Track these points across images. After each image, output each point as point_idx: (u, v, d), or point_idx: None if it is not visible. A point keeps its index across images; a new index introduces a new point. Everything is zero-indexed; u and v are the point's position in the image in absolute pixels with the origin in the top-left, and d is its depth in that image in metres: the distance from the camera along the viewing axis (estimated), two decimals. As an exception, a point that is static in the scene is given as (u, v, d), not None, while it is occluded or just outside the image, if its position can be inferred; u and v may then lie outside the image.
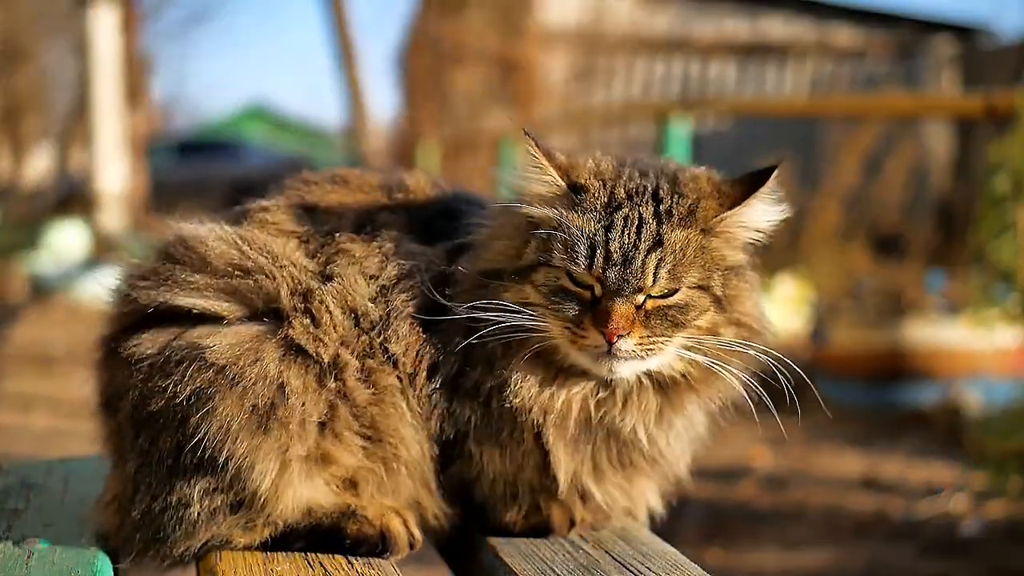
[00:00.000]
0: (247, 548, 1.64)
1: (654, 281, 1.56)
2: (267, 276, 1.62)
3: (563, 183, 1.62)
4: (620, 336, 1.55)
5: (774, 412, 1.65)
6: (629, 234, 1.57)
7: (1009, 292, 3.90)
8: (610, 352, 1.56)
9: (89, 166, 15.09)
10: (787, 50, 15.00)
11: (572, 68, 14.54)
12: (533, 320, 1.58)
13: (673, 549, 1.71)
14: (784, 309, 7.37)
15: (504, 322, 1.58)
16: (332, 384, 1.60)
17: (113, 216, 14.29)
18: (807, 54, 15.01)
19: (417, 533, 1.68)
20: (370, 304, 1.64)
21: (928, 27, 15.00)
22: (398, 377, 1.63)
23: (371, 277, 1.66)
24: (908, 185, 10.09)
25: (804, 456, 5.44)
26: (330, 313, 1.61)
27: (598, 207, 1.60)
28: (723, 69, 15.10)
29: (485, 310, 1.58)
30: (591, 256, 1.56)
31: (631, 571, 1.59)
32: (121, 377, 1.64)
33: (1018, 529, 4.25)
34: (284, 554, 1.63)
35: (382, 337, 1.63)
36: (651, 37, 14.95)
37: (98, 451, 1.77)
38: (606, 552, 1.67)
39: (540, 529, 1.72)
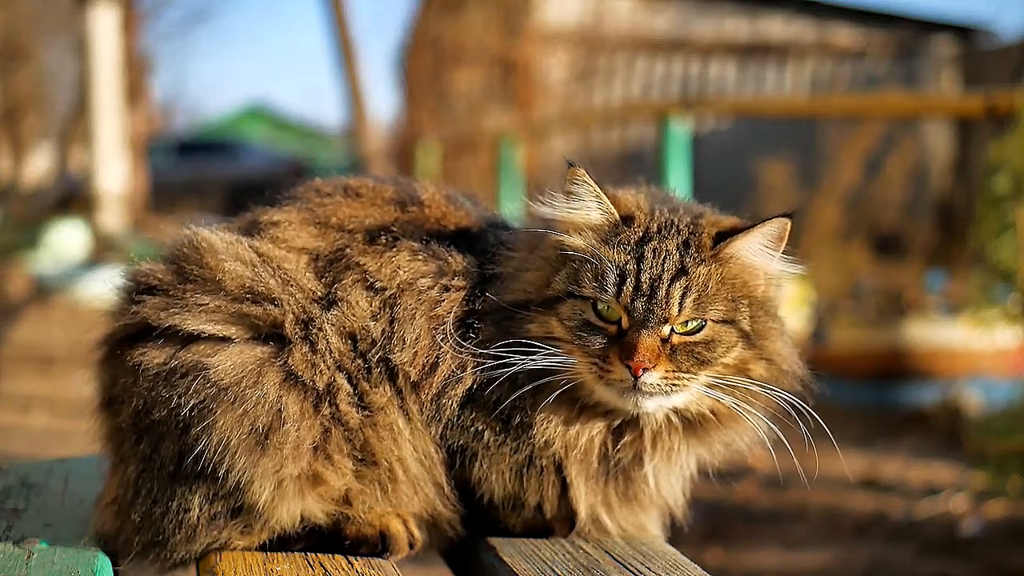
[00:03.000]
0: (246, 549, 1.65)
1: (679, 311, 1.57)
2: (275, 303, 1.61)
3: (615, 213, 1.63)
4: (645, 369, 1.55)
5: (790, 450, 1.66)
6: (656, 265, 1.58)
7: (1009, 292, 3.90)
8: (635, 386, 1.56)
9: (89, 166, 15.08)
10: (787, 50, 15.00)
11: (572, 68, 14.54)
12: (560, 360, 1.58)
13: (673, 549, 1.71)
14: (784, 309, 7.36)
15: (532, 365, 1.58)
16: (326, 410, 1.60)
17: (113, 216, 14.29)
18: (807, 54, 15.02)
19: (417, 533, 1.68)
20: (371, 323, 1.62)
21: (928, 27, 15.01)
22: (397, 390, 1.62)
23: (377, 290, 1.64)
24: (908, 185, 10.09)
25: (804, 456, 5.43)
26: (328, 340, 1.60)
27: (632, 240, 1.61)
28: (723, 69, 15.11)
29: (513, 349, 1.58)
30: (620, 285, 1.57)
31: (631, 571, 1.59)
32: (124, 381, 1.63)
33: (1018, 529, 4.25)
34: (284, 554, 1.64)
35: (383, 352, 1.62)
36: (651, 37, 14.95)
37: (98, 451, 1.77)
38: (606, 552, 1.67)
39: (541, 530, 1.72)
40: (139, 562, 1.67)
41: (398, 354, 1.61)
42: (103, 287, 1.75)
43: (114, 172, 14.69)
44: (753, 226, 1.64)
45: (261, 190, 1.87)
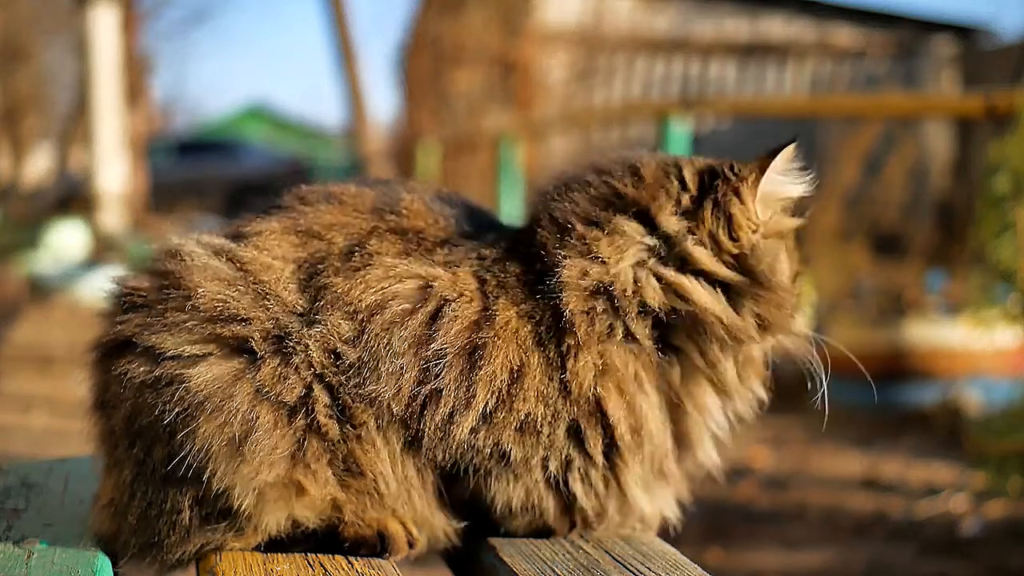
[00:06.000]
0: (243, 550, 1.65)
1: None
2: (245, 322, 1.59)
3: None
4: None
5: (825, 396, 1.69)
6: None
7: (1009, 292, 3.90)
8: None
9: (89, 166, 15.08)
10: (787, 50, 15.01)
11: (572, 68, 14.54)
12: None
13: (673, 549, 1.71)
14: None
15: None
16: (300, 421, 1.57)
17: (113, 216, 14.29)
18: (807, 54, 15.02)
19: (416, 532, 1.67)
20: (346, 348, 1.58)
21: (928, 27, 15.02)
22: (375, 415, 1.58)
23: (350, 313, 1.59)
24: (908, 185, 10.09)
25: (804, 456, 5.44)
26: (307, 353, 1.57)
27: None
28: (723, 69, 15.11)
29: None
30: None
31: (631, 571, 1.59)
32: (115, 388, 1.64)
33: (1018, 529, 4.26)
34: (284, 554, 1.63)
35: (359, 378, 1.57)
36: (651, 37, 14.96)
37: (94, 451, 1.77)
38: (606, 552, 1.67)
39: (542, 531, 1.72)
40: (137, 563, 1.67)
41: (373, 386, 1.57)
42: (100, 288, 1.74)
43: (114, 172, 14.69)
44: (766, 167, 1.68)
45: (261, 190, 1.86)
